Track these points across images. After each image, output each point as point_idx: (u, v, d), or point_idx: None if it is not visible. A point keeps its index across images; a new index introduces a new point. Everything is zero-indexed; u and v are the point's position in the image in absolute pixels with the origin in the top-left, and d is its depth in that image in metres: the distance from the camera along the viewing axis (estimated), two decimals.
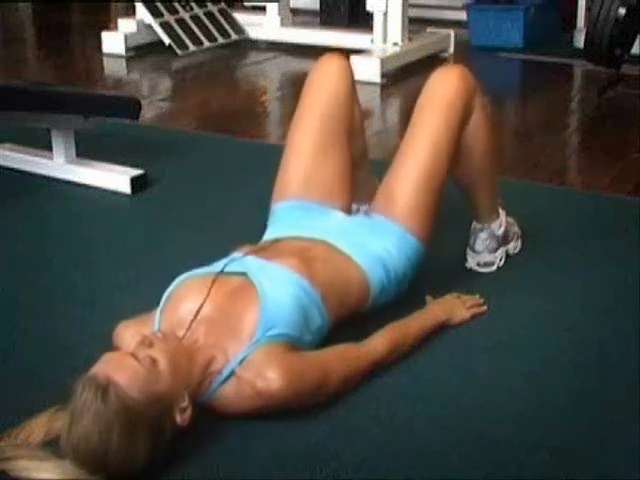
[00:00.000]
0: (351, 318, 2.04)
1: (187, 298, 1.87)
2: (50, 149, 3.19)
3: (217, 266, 1.96)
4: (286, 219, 2.21)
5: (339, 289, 2.00)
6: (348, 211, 2.25)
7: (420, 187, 2.16)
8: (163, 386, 1.63)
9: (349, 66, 2.34)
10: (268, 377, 1.73)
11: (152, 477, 1.63)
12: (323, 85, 2.30)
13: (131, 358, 1.64)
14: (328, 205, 2.21)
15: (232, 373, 1.76)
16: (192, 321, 1.81)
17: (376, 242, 2.12)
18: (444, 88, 2.22)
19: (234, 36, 5.41)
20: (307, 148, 2.24)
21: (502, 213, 2.47)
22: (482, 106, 2.26)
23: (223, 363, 1.76)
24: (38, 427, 1.68)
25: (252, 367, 1.75)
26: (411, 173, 2.17)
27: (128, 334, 1.87)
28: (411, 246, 2.14)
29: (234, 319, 1.82)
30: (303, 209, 2.20)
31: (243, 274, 1.91)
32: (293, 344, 1.83)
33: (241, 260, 1.98)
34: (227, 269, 1.93)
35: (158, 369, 1.64)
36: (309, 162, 2.23)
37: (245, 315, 1.82)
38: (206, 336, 1.80)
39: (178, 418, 1.65)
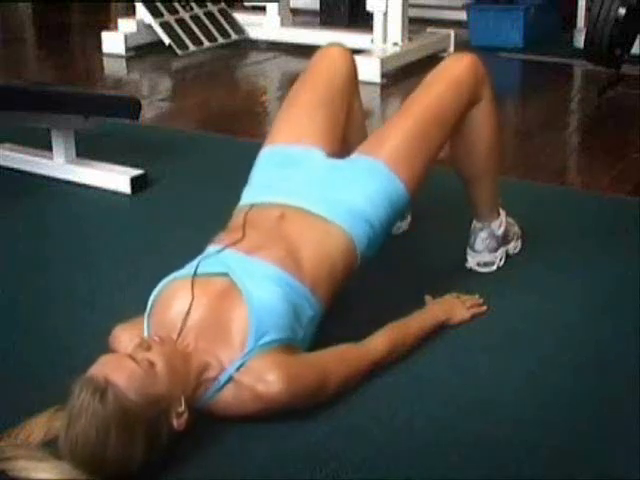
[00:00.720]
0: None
1: (173, 302, 1.85)
2: (50, 149, 3.19)
3: (193, 265, 1.92)
4: (265, 171, 2.18)
5: (327, 270, 1.96)
6: (330, 154, 2.18)
7: (413, 140, 2.12)
8: (161, 388, 1.63)
9: (351, 55, 2.36)
10: (268, 380, 1.72)
11: (151, 478, 1.63)
12: (322, 68, 2.31)
13: (129, 360, 1.64)
14: (309, 145, 2.16)
15: (230, 379, 1.75)
16: (183, 324, 1.79)
17: (356, 191, 2.06)
18: (456, 66, 2.22)
19: (234, 36, 5.41)
20: (301, 106, 2.25)
21: (502, 213, 2.47)
22: (491, 98, 2.25)
23: (218, 370, 1.75)
24: (38, 427, 1.68)
25: (251, 372, 1.74)
26: (406, 125, 2.14)
27: (125, 337, 1.86)
28: (396, 190, 2.08)
29: (223, 325, 1.79)
30: (284, 154, 2.17)
31: (224, 274, 1.87)
32: (287, 345, 1.81)
33: (218, 256, 1.93)
34: (207, 268, 1.89)
35: (156, 371, 1.64)
36: (300, 115, 2.23)
37: (234, 321, 1.79)
38: (197, 341, 1.78)
39: (175, 422, 1.65)
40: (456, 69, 2.21)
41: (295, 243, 1.96)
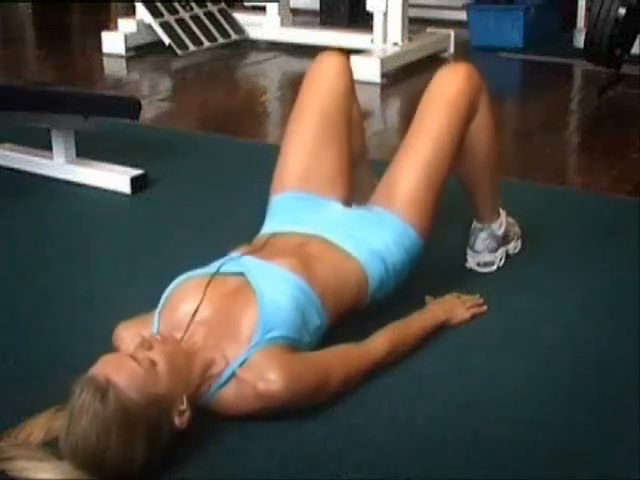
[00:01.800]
0: (350, 315, 2.04)
1: (185, 299, 1.87)
2: (50, 149, 3.19)
3: (214, 266, 1.96)
4: (283, 212, 2.20)
5: (337, 288, 1.99)
6: (347, 204, 2.23)
7: (421, 182, 2.15)
8: (162, 388, 1.63)
9: (348, 63, 2.35)
10: (269, 378, 1.73)
11: (152, 478, 1.63)
12: (322, 81, 2.30)
13: (130, 359, 1.64)
14: (326, 196, 2.20)
15: (232, 375, 1.75)
16: (189, 323, 1.81)
17: (374, 235, 2.11)
18: (450, 85, 2.21)
19: (234, 36, 5.41)
20: (306, 141, 2.24)
21: (502, 213, 2.47)
22: (487, 105, 2.26)
23: (223, 366, 1.76)
24: (38, 427, 1.68)
25: (253, 369, 1.74)
26: (413, 167, 2.16)
27: (128, 335, 1.87)
28: (410, 240, 2.13)
29: (233, 321, 1.82)
30: (301, 200, 2.20)
31: (240, 274, 1.91)
32: (292, 345, 1.82)
33: (238, 260, 1.97)
34: (224, 269, 1.93)
35: (157, 371, 1.64)
36: (308, 154, 2.23)
37: (243, 317, 1.82)
38: (205, 338, 1.79)
39: (177, 420, 1.65)
40: (452, 87, 2.21)
41: (312, 257, 2.01)
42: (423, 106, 2.24)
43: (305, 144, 2.24)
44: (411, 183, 2.15)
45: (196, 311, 1.83)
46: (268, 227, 2.19)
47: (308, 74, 2.34)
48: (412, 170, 2.16)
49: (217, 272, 1.91)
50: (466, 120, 2.21)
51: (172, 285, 1.93)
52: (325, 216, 2.16)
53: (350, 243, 2.08)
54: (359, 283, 2.05)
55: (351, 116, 2.32)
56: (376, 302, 2.10)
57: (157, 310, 1.90)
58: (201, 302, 1.84)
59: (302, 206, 2.19)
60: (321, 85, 2.30)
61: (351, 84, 2.34)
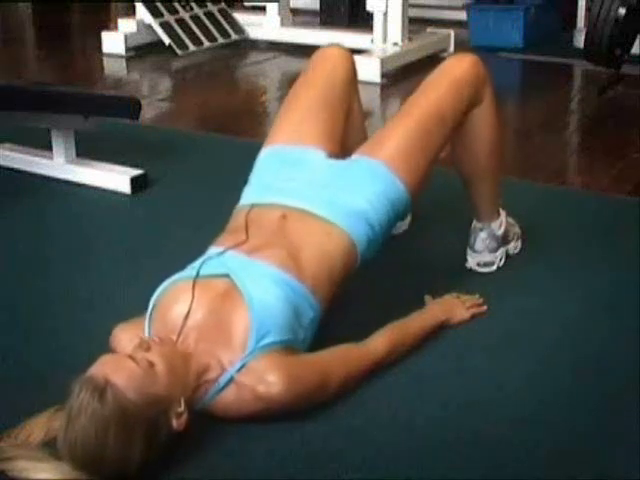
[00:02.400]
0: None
1: (174, 303, 1.84)
2: (50, 149, 3.19)
3: (195, 268, 1.91)
4: (265, 171, 2.18)
5: (327, 270, 1.96)
6: (332, 156, 2.17)
7: (413, 141, 2.12)
8: (160, 388, 1.63)
9: (350, 56, 2.36)
10: (269, 381, 1.72)
11: (151, 478, 1.63)
12: (322, 69, 2.31)
13: (129, 360, 1.64)
14: (310, 146, 2.16)
15: (231, 380, 1.75)
16: (182, 326, 1.79)
17: (357, 193, 2.06)
18: (457, 66, 2.22)
19: (234, 36, 5.41)
20: (301, 106, 2.24)
21: (502, 213, 2.47)
22: (492, 98, 2.25)
23: (218, 372, 1.75)
24: (38, 427, 1.68)
25: (252, 373, 1.74)
26: (407, 123, 2.14)
27: (125, 337, 1.86)
28: (396, 191, 2.08)
29: (224, 326, 1.79)
30: (284, 154, 2.17)
31: (226, 275, 1.87)
32: (288, 347, 1.81)
33: (220, 258, 1.93)
34: (208, 270, 1.89)
35: (155, 372, 1.64)
36: (300, 116, 2.22)
37: (235, 322, 1.79)
38: (197, 343, 1.78)
39: (174, 422, 1.65)
40: (457, 69, 2.21)
41: (296, 244, 1.96)
42: (425, 82, 2.23)
43: (299, 109, 2.24)
44: (403, 138, 2.12)
45: (188, 314, 1.80)
46: (248, 194, 2.16)
47: (310, 62, 2.35)
48: (405, 127, 2.14)
49: (200, 275, 1.87)
50: (466, 102, 2.19)
51: (160, 289, 1.90)
52: (305, 174, 2.11)
53: (331, 210, 2.02)
54: (347, 252, 2.01)
55: (351, 107, 2.31)
56: (367, 261, 2.07)
57: (147, 314, 1.88)
58: (191, 304, 1.81)
59: (284, 159, 2.16)
60: (322, 73, 2.30)
61: (352, 77, 2.34)
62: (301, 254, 1.94)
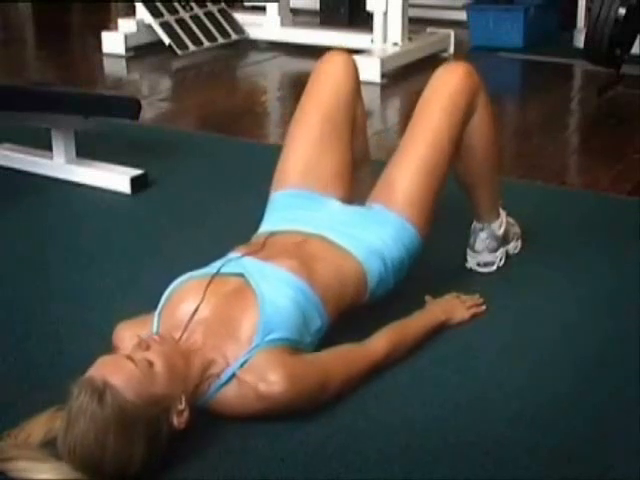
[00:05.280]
0: (350, 312, 2.03)
1: (185, 300, 1.87)
2: (50, 149, 3.19)
3: (214, 267, 1.96)
4: (282, 209, 2.20)
5: (338, 287, 1.99)
6: (346, 202, 2.22)
7: (420, 178, 2.15)
8: (159, 388, 1.63)
9: (354, 62, 2.35)
10: (270, 380, 1.73)
11: (152, 478, 1.63)
12: (327, 80, 2.30)
13: (127, 360, 1.64)
14: (325, 194, 2.19)
15: (233, 376, 1.75)
16: (188, 322, 1.81)
17: (373, 232, 2.11)
18: (448, 84, 2.21)
19: (234, 36, 5.41)
20: (308, 139, 2.24)
21: (502, 213, 2.47)
22: (486, 104, 2.26)
23: (222, 366, 1.76)
24: (38, 427, 1.68)
25: (254, 370, 1.74)
26: (412, 164, 2.16)
27: (127, 335, 1.86)
28: (409, 236, 2.13)
29: (233, 321, 1.81)
30: (300, 198, 2.19)
31: (240, 275, 1.90)
32: (293, 347, 1.82)
33: (238, 261, 1.97)
34: (224, 270, 1.93)
35: (154, 371, 1.64)
36: (309, 152, 2.23)
37: (244, 318, 1.81)
38: (204, 338, 1.79)
39: (175, 421, 1.65)
40: (451, 86, 2.21)
41: (312, 257, 2.00)
42: (421, 105, 2.24)
43: (307, 142, 2.24)
44: (409, 180, 2.15)
45: (196, 310, 1.83)
46: (266, 225, 2.19)
47: (314, 73, 2.34)
48: (411, 168, 2.16)
49: (217, 273, 1.91)
50: (464, 119, 2.21)
51: (172, 285, 1.93)
52: (323, 214, 2.16)
53: (349, 241, 2.07)
54: (359, 281, 2.05)
55: (355, 117, 2.32)
56: (376, 299, 2.10)
57: (157, 311, 1.90)
58: (201, 302, 1.84)
59: (301, 203, 2.18)
60: (326, 84, 2.29)
61: (357, 85, 2.34)
62: (316, 266, 1.98)
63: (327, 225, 2.12)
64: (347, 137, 2.27)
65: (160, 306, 1.90)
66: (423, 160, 2.16)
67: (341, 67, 2.32)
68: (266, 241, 2.07)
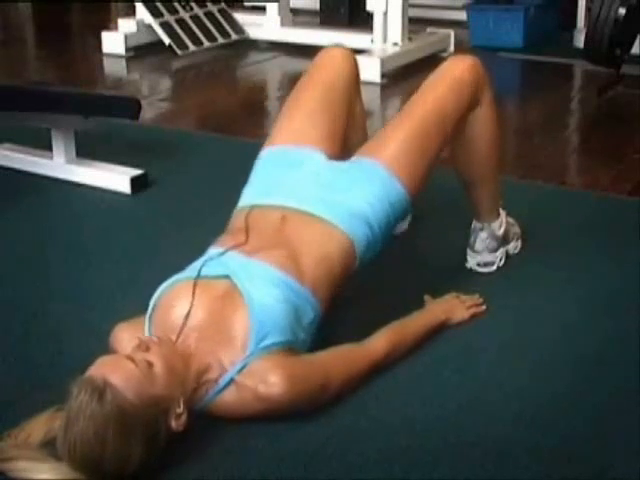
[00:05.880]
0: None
1: (175, 304, 1.84)
2: (50, 149, 3.19)
3: (196, 268, 1.91)
4: (265, 171, 2.18)
5: (326, 271, 1.96)
6: (331, 157, 2.18)
7: (413, 142, 2.12)
8: (159, 389, 1.63)
9: (353, 57, 2.36)
10: (270, 381, 1.72)
11: (151, 478, 1.63)
12: (326, 66, 2.31)
13: (127, 361, 1.64)
14: (311, 147, 2.16)
15: (231, 381, 1.75)
16: (182, 326, 1.80)
17: (358, 193, 2.06)
18: (457, 67, 2.22)
19: (234, 36, 5.41)
20: (302, 107, 2.24)
21: (502, 213, 2.47)
22: (491, 102, 2.25)
23: (219, 372, 1.75)
24: (38, 427, 1.68)
25: (253, 374, 1.74)
26: (407, 125, 2.14)
27: (125, 337, 1.86)
28: (396, 193, 2.08)
29: (225, 327, 1.79)
30: (285, 154, 2.17)
31: (226, 277, 1.87)
32: (288, 348, 1.81)
33: (220, 259, 1.93)
34: (208, 271, 1.89)
35: (154, 372, 1.64)
36: (301, 117, 2.22)
37: (235, 323, 1.79)
38: (198, 343, 1.78)
39: (173, 423, 1.65)
40: (457, 70, 2.21)
41: (296, 245, 1.96)
42: (425, 83, 2.23)
43: (301, 111, 2.24)
44: (402, 140, 2.12)
45: (188, 314, 1.81)
46: (248, 192, 2.16)
47: (313, 62, 2.35)
48: (405, 129, 2.14)
49: (200, 275, 1.87)
50: (466, 103, 2.20)
51: (160, 289, 1.90)
52: (307, 173, 2.12)
53: (331, 211, 2.03)
54: (346, 254, 2.01)
55: (353, 107, 2.32)
56: (365, 263, 2.07)
57: (147, 315, 1.88)
58: (192, 306, 1.81)
59: (285, 161, 2.16)
60: (325, 69, 2.31)
61: (356, 77, 2.34)
62: (301, 256, 1.94)
63: (308, 193, 2.07)
64: (342, 116, 2.25)
65: (149, 311, 1.88)
66: (420, 123, 2.13)
67: (340, 60, 2.33)
68: (248, 223, 2.02)
